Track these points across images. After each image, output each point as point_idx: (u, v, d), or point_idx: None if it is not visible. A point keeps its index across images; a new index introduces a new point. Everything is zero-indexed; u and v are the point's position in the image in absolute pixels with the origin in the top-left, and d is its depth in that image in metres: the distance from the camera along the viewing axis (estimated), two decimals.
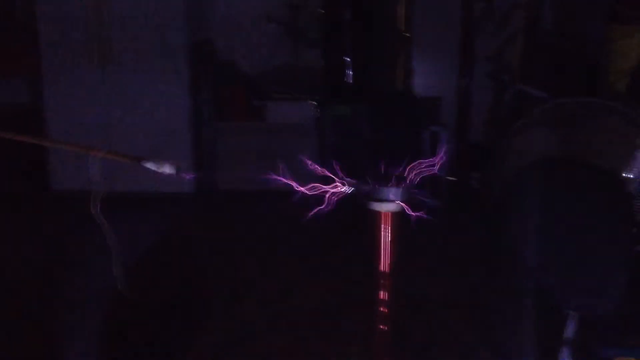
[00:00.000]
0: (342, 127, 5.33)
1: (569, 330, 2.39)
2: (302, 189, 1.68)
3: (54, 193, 5.33)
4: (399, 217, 1.73)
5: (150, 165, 1.69)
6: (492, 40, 5.62)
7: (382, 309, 1.75)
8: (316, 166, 1.71)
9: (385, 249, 1.73)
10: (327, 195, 1.67)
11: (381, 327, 1.77)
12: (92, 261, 2.31)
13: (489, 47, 5.64)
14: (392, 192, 1.70)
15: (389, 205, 1.70)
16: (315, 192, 1.69)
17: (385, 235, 1.72)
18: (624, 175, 2.53)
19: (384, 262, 1.73)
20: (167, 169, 1.68)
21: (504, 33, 5.53)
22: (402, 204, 1.71)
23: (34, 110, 5.45)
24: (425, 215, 1.72)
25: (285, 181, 1.69)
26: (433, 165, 1.76)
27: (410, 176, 1.72)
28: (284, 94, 5.63)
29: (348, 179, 1.71)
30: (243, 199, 4.95)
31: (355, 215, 1.75)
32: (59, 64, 5.31)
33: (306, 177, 1.72)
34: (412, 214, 1.71)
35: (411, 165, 1.73)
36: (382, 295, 1.75)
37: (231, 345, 2.93)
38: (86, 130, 5.25)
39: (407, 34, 5.71)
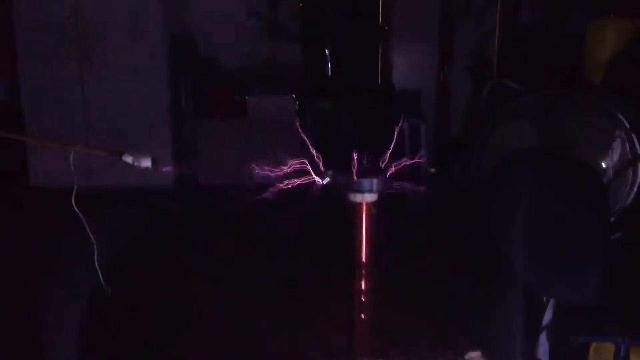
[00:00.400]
0: (322, 120, 5.34)
1: (547, 318, 2.43)
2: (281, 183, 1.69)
3: (34, 189, 5.30)
4: (377, 208, 1.75)
5: (128, 159, 1.70)
6: (471, 34, 5.66)
7: (361, 298, 1.77)
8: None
9: (364, 239, 1.74)
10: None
11: (361, 316, 1.79)
12: (74, 256, 2.30)
13: (468, 40, 5.68)
14: (371, 183, 1.71)
15: (367, 196, 1.72)
16: (295, 184, 1.70)
17: (364, 225, 1.74)
18: (602, 166, 2.56)
19: (363, 252, 1.75)
20: (144, 163, 1.69)
21: (483, 26, 5.56)
22: (380, 195, 1.73)
23: (12, 107, 5.41)
24: (404, 207, 1.74)
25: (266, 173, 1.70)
26: (412, 158, 1.78)
27: (389, 168, 1.74)
28: (264, 88, 5.63)
29: (327, 171, 1.72)
30: (224, 194, 4.94)
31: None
32: (36, 61, 5.28)
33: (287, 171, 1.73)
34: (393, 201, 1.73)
35: (390, 158, 1.75)
36: (362, 284, 1.77)
37: (215, 338, 2.95)
38: (65, 125, 5.22)
39: (386, 28, 5.73)
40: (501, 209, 2.31)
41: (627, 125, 2.51)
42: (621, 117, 2.52)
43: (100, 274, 1.77)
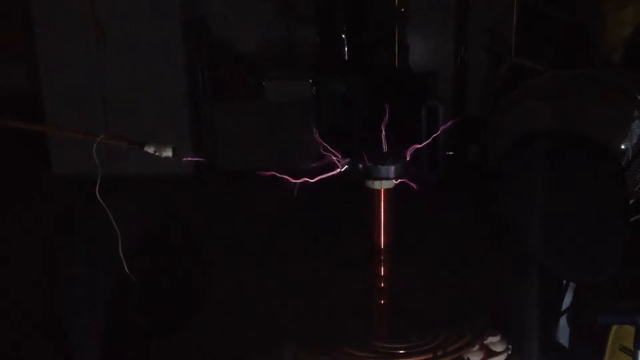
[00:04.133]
0: (338, 103, 5.34)
1: (567, 301, 2.43)
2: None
3: (56, 176, 5.36)
4: (395, 194, 1.76)
5: (150, 150, 1.72)
6: (488, 12, 5.61)
7: (380, 284, 1.79)
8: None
9: (382, 225, 1.76)
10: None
11: (381, 301, 1.81)
12: (96, 245, 2.34)
13: (485, 19, 5.63)
14: (389, 169, 1.72)
15: (385, 182, 1.73)
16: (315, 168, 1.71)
17: (382, 211, 1.75)
18: (620, 147, 2.55)
19: (382, 238, 1.77)
20: (166, 153, 1.71)
21: (500, 4, 5.52)
22: (398, 180, 1.74)
23: (32, 94, 5.46)
24: (422, 191, 1.74)
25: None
26: (430, 141, 1.79)
27: (406, 152, 1.74)
28: (280, 72, 5.63)
29: (344, 157, 1.73)
30: (243, 179, 4.96)
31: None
32: (54, 47, 5.32)
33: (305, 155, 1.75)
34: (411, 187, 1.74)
35: (408, 141, 1.75)
36: (381, 269, 1.79)
37: (233, 323, 2.98)
38: (84, 112, 5.27)
39: (403, 9, 5.70)
40: (518, 189, 2.32)
41: None
42: None
43: (124, 262, 1.80)
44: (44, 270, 3.50)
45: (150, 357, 2.61)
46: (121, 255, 1.78)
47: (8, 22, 5.62)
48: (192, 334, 2.86)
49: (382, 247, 1.78)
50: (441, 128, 1.90)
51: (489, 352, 1.76)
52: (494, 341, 1.79)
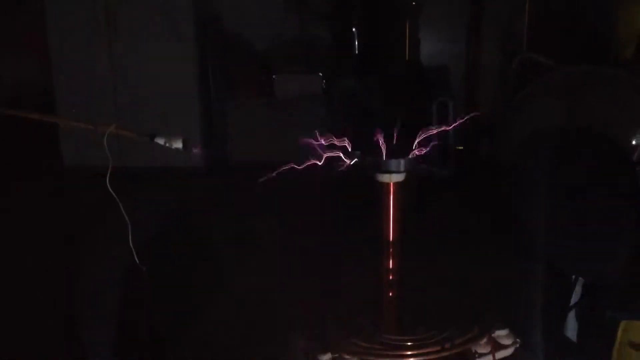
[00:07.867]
0: (349, 98, 5.34)
1: (575, 296, 2.43)
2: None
3: (67, 168, 5.38)
4: (405, 187, 1.76)
5: (160, 141, 1.73)
6: (500, 8, 5.60)
7: (390, 277, 1.80)
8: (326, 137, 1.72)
9: (391, 219, 1.76)
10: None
11: (389, 294, 1.82)
12: (109, 236, 2.36)
13: (497, 14, 5.62)
14: (399, 162, 1.72)
15: (395, 176, 1.73)
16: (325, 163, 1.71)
17: (392, 205, 1.75)
18: (632, 143, 2.54)
19: (391, 232, 1.77)
20: (176, 144, 1.72)
21: (512, 0, 5.50)
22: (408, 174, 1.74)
23: (44, 86, 5.49)
24: (432, 185, 1.74)
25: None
26: (441, 135, 1.79)
27: (417, 146, 1.74)
28: (292, 67, 5.64)
29: (354, 150, 1.74)
30: (255, 173, 4.97)
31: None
32: (66, 41, 5.34)
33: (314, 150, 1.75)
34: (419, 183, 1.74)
35: (419, 136, 1.75)
36: (390, 263, 1.79)
37: (242, 315, 3.00)
38: (95, 105, 5.29)
39: (415, 3, 5.69)
40: (528, 185, 2.32)
41: None
42: None
43: (135, 253, 1.81)
44: (56, 262, 3.53)
45: (161, 348, 2.63)
46: (131, 245, 1.79)
47: (20, 14, 5.64)
48: (201, 324, 2.88)
49: (391, 240, 1.78)
50: (455, 122, 1.90)
51: (496, 345, 1.76)
52: (502, 334, 1.79)
